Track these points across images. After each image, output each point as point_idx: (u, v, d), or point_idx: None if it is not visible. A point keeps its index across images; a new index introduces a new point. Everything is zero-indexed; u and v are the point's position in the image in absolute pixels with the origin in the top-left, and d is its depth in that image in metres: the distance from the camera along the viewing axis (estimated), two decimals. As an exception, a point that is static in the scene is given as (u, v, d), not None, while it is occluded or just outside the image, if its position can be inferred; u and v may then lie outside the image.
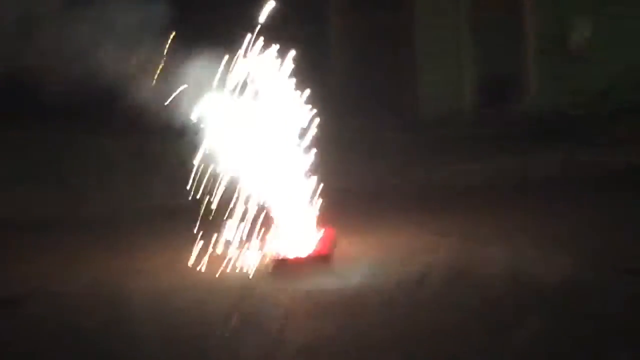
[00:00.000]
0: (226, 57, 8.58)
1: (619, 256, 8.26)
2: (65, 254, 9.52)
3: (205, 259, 8.67)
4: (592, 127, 15.14)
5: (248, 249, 8.69)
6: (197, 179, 8.68)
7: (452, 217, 10.20)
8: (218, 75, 8.56)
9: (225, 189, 8.66)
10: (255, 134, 8.70)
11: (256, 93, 8.70)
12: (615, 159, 13.51)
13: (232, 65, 8.61)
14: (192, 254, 8.72)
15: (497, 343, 6.35)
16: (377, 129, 15.44)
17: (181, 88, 8.46)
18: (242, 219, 8.66)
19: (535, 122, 15.92)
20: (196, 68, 8.62)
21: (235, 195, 8.68)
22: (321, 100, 9.06)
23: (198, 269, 8.54)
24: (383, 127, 15.55)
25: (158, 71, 8.72)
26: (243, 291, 7.86)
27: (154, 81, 8.68)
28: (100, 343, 6.73)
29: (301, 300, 7.52)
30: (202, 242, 8.74)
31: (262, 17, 8.63)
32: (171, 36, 8.69)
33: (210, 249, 8.73)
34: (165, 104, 8.54)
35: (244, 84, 8.66)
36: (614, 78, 16.06)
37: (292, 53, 8.78)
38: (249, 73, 8.67)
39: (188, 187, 8.70)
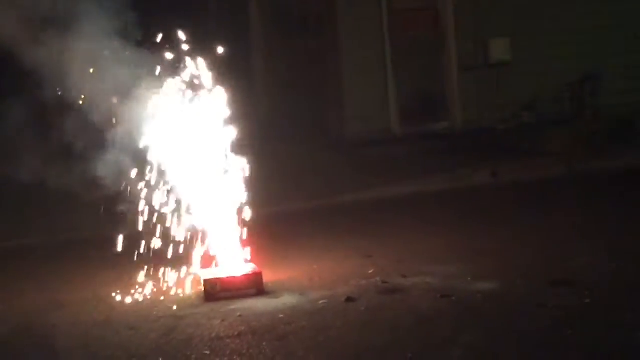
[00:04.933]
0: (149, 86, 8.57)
1: (548, 269, 8.34)
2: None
3: (135, 287, 8.60)
4: (518, 140, 15.31)
5: (179, 273, 8.66)
6: (126, 209, 8.65)
7: (382, 237, 10.19)
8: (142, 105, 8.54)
9: (155, 217, 8.62)
10: (183, 159, 8.67)
11: (183, 119, 8.67)
12: (543, 171, 13.67)
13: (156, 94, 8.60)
14: (121, 283, 8.64)
15: (431, 360, 6.37)
16: (304, 151, 15.46)
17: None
18: (173, 244, 8.62)
19: (461, 138, 16.07)
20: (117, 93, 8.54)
21: (165, 220, 8.65)
22: (249, 125, 9.04)
23: (128, 298, 8.46)
24: (310, 150, 15.57)
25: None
26: (175, 318, 7.79)
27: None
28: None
29: (233, 325, 7.46)
30: (130, 270, 8.68)
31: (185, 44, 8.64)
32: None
33: (139, 277, 8.67)
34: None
35: (171, 110, 8.64)
36: (537, 91, 16.28)
37: (218, 82, 8.76)
38: (175, 99, 8.65)
39: (116, 217, 8.64)
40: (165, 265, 8.68)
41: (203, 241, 8.71)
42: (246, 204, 8.81)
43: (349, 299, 7.87)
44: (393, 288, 8.15)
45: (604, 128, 15.05)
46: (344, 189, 13.20)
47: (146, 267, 8.70)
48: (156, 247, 8.62)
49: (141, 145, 8.59)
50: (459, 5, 16.99)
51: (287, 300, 8.06)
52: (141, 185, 8.65)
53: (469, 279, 8.21)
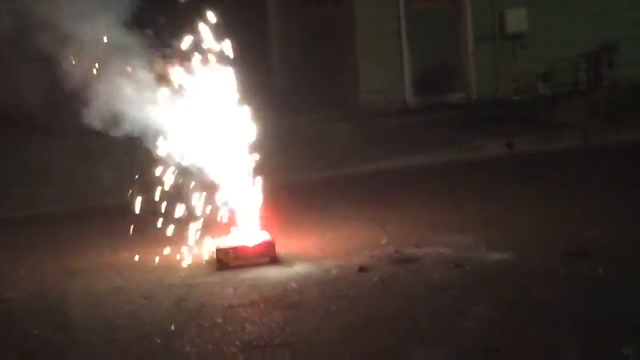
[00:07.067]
0: (167, 53, 8.54)
1: (562, 240, 8.30)
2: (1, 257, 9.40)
3: (148, 256, 8.62)
4: (533, 111, 15.26)
5: (192, 242, 8.66)
6: (137, 176, 8.65)
7: (395, 208, 10.19)
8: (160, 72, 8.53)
9: (167, 184, 8.62)
10: (199, 131, 8.66)
11: (198, 90, 8.65)
12: (558, 142, 13.63)
13: (173, 63, 8.58)
14: (134, 251, 8.65)
15: (443, 329, 6.34)
16: (319, 122, 15.44)
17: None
18: (186, 213, 8.62)
19: (477, 109, 16.03)
20: (137, 65, 8.55)
21: (177, 188, 8.65)
22: (264, 95, 9.02)
23: (141, 266, 8.47)
24: (325, 120, 15.56)
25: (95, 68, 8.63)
26: (187, 286, 7.79)
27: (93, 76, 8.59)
28: (48, 349, 6.62)
29: (246, 293, 7.46)
30: (144, 239, 8.69)
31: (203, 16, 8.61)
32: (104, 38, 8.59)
33: (152, 246, 8.69)
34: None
35: (187, 81, 8.62)
36: (554, 62, 16.19)
37: (234, 50, 8.73)
38: (190, 71, 8.64)
39: (129, 185, 8.66)
40: (178, 234, 8.67)
41: (216, 210, 8.71)
42: (260, 173, 8.79)
43: (362, 269, 7.85)
44: (406, 258, 8.13)
45: (621, 100, 14.97)
46: (358, 160, 13.18)
47: (159, 235, 8.70)
48: (170, 216, 8.62)
49: (158, 114, 8.59)
50: (475, -26, 16.91)
51: (299, 269, 8.06)
52: (157, 153, 8.65)
53: (483, 249, 8.19)
